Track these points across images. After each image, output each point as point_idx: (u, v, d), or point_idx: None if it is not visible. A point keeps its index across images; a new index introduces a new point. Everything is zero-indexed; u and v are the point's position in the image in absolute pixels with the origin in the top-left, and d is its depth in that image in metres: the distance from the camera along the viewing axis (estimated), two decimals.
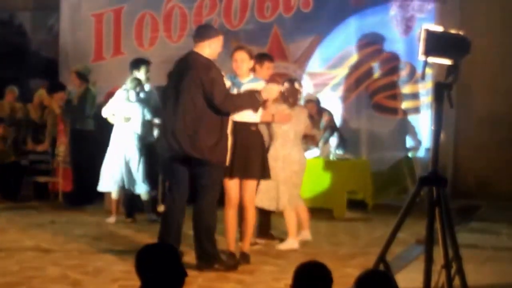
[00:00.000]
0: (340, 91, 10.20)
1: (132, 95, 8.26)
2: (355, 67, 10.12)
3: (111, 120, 8.33)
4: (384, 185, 9.42)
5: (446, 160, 9.53)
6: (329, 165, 8.88)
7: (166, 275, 3.05)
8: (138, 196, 8.36)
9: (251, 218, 6.18)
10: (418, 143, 9.77)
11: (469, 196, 9.59)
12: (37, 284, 5.40)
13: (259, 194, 6.44)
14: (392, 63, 9.99)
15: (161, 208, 8.09)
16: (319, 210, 8.30)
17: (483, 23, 9.69)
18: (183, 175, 5.89)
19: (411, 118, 9.95)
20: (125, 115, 8.19)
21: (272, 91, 6.04)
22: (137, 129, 8.24)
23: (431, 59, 4.04)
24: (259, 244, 6.87)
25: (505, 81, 9.94)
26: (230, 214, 6.09)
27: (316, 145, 8.63)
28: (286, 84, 6.86)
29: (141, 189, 8.26)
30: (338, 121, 9.87)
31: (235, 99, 5.91)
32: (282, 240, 6.96)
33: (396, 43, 9.94)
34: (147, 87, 8.55)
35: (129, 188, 8.25)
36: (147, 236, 7.14)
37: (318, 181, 8.71)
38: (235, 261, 5.97)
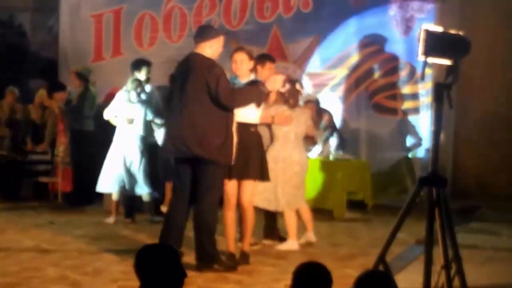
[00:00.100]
0: (339, 92, 10.19)
1: (134, 96, 8.26)
2: (355, 68, 10.12)
3: (113, 122, 8.32)
4: (384, 185, 9.42)
5: (446, 161, 9.53)
6: (329, 165, 8.88)
7: (165, 275, 3.05)
8: (138, 197, 8.36)
9: (250, 218, 6.18)
10: (419, 141, 9.76)
11: (469, 196, 9.58)
12: (37, 285, 5.40)
13: (257, 195, 6.43)
14: (391, 64, 9.98)
15: (164, 208, 8.09)
16: (319, 211, 8.29)
17: (483, 23, 9.69)
18: (187, 176, 5.89)
19: (411, 118, 9.94)
20: (128, 116, 8.18)
21: (276, 81, 6.02)
22: (139, 130, 8.24)
23: (431, 60, 4.04)
24: (259, 245, 6.87)
25: (505, 82, 9.93)
26: (229, 215, 6.09)
27: (315, 144, 8.61)
28: (287, 85, 6.84)
29: (143, 190, 8.25)
30: (337, 121, 9.87)
31: (240, 93, 5.91)
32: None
33: (396, 43, 9.93)
34: (148, 87, 8.55)
35: (130, 189, 8.24)
36: (147, 237, 7.14)
37: (318, 181, 8.70)
38: (235, 262, 5.97)
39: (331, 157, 8.94)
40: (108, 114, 8.32)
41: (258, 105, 6.08)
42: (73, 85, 9.79)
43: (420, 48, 3.97)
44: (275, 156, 6.72)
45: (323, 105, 9.54)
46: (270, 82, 6.00)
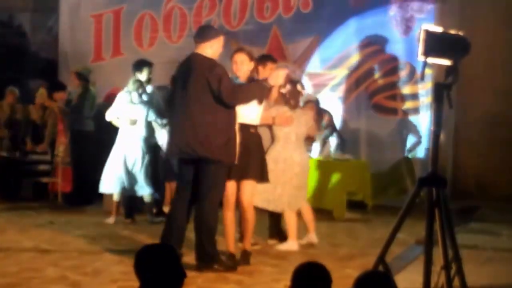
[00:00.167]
0: (339, 92, 10.19)
1: (135, 97, 8.26)
2: (354, 68, 10.12)
3: (115, 123, 8.32)
4: (384, 185, 9.41)
5: (446, 161, 9.53)
6: (328, 165, 8.88)
7: (165, 275, 3.05)
8: (138, 197, 8.36)
9: (251, 218, 6.17)
10: (419, 139, 9.75)
11: (469, 197, 9.58)
12: (36, 285, 5.39)
13: (257, 195, 6.43)
14: (391, 64, 9.98)
15: (166, 208, 8.10)
16: (318, 211, 8.28)
17: (483, 23, 9.68)
18: (190, 177, 5.90)
19: (411, 118, 9.94)
20: (131, 117, 8.18)
21: (279, 76, 6.00)
22: (142, 130, 8.24)
23: (431, 60, 4.03)
24: (259, 245, 6.86)
25: (505, 82, 9.93)
26: (229, 216, 6.09)
27: (312, 142, 8.58)
28: (288, 86, 6.84)
29: (144, 191, 8.25)
30: (337, 121, 9.86)
31: (242, 90, 5.90)
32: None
33: (395, 43, 9.93)
34: (149, 88, 8.54)
35: (132, 190, 8.24)
36: (147, 237, 7.14)
37: (318, 181, 8.70)
38: (235, 262, 5.97)
39: (331, 157, 8.93)
40: (111, 115, 8.32)
41: (261, 100, 6.07)
42: (73, 85, 9.80)
43: (420, 48, 3.96)
44: (275, 157, 6.72)
45: (323, 105, 9.54)
46: (273, 77, 5.99)
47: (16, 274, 5.67)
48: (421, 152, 9.74)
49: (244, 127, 6.05)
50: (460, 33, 4.09)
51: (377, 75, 10.07)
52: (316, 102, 9.22)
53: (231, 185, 6.05)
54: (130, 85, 8.32)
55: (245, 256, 6.13)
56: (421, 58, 4.00)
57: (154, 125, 8.40)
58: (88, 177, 9.47)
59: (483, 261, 6.16)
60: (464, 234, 7.05)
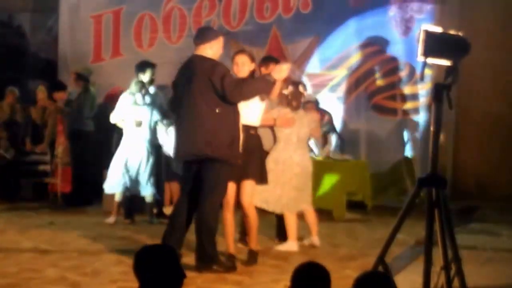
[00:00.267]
0: (339, 92, 10.19)
1: (139, 98, 8.26)
2: (354, 68, 10.12)
3: (120, 125, 8.32)
4: (384, 186, 9.41)
5: (446, 161, 9.52)
6: (328, 166, 8.87)
7: (164, 276, 3.05)
8: (138, 198, 8.36)
9: (253, 218, 6.16)
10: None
11: (469, 197, 9.57)
12: (36, 286, 5.39)
13: (256, 194, 6.42)
14: (391, 64, 9.98)
15: (168, 210, 8.10)
16: (318, 211, 8.26)
17: (483, 23, 9.68)
18: (195, 179, 5.89)
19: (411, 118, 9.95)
20: (136, 119, 8.18)
21: (282, 70, 5.97)
22: (146, 131, 8.24)
23: (430, 60, 4.03)
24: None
25: (505, 82, 9.92)
26: (228, 217, 6.09)
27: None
28: (290, 87, 6.84)
29: (147, 191, 8.25)
30: (337, 122, 9.86)
31: (247, 84, 5.88)
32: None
33: (395, 44, 9.93)
34: (152, 89, 8.53)
35: (135, 190, 8.24)
36: (146, 237, 7.14)
37: (318, 182, 8.69)
38: (234, 263, 5.97)
39: (330, 158, 8.93)
40: (115, 118, 8.32)
41: (267, 94, 6.05)
42: (73, 85, 9.80)
43: (420, 48, 3.96)
44: (276, 158, 6.72)
45: (322, 106, 9.53)
46: (276, 71, 5.96)
47: (15, 275, 5.67)
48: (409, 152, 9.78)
49: (244, 128, 6.04)
50: (460, 33, 4.09)
51: (376, 75, 10.07)
52: (316, 103, 9.22)
53: (230, 186, 6.04)
54: (133, 87, 8.32)
55: (252, 256, 6.13)
56: (420, 58, 3.99)
57: (158, 125, 8.39)
58: (88, 177, 9.48)
59: (483, 261, 6.16)
60: (464, 234, 7.05)
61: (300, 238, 6.96)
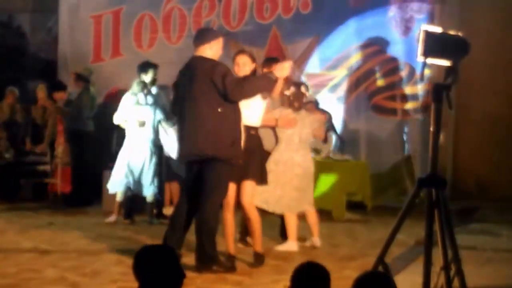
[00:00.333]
0: (338, 92, 10.19)
1: (142, 98, 8.26)
2: (354, 68, 10.11)
3: (123, 126, 8.32)
4: (383, 186, 9.41)
5: (446, 162, 9.52)
6: (328, 166, 8.87)
7: (164, 276, 3.04)
8: (138, 198, 8.36)
9: (255, 220, 6.13)
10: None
11: (469, 197, 9.57)
12: (35, 286, 5.39)
13: (256, 195, 6.42)
14: (391, 64, 9.98)
15: (168, 211, 8.10)
16: (318, 211, 8.27)
17: (482, 23, 9.68)
18: (197, 179, 5.89)
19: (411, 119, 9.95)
20: (139, 119, 8.18)
21: (284, 68, 5.95)
22: (149, 131, 8.24)
23: (430, 60, 4.03)
24: None
25: (505, 82, 9.93)
26: (228, 218, 6.07)
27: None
28: (292, 88, 6.84)
29: (149, 191, 8.25)
30: (337, 122, 9.85)
31: (249, 81, 5.87)
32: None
33: (395, 44, 9.93)
34: (154, 90, 8.53)
35: (137, 190, 8.25)
36: (146, 238, 7.14)
37: (317, 182, 8.68)
38: (233, 263, 5.96)
39: (330, 158, 8.93)
40: (118, 118, 8.32)
41: (269, 92, 6.04)
42: (73, 85, 9.80)
43: (420, 49, 3.96)
44: (277, 158, 6.72)
45: (322, 106, 9.53)
46: (279, 68, 5.95)
47: (15, 275, 5.67)
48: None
49: (245, 129, 6.04)
50: (460, 33, 4.09)
51: (376, 75, 10.07)
52: (315, 103, 9.22)
53: (231, 187, 6.04)
54: (135, 87, 8.32)
55: (258, 258, 6.10)
56: (420, 58, 3.99)
57: (161, 125, 8.38)
58: (88, 177, 9.47)
59: (483, 261, 6.16)
60: (464, 234, 7.04)
61: (301, 239, 6.95)
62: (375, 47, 10.04)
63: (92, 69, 10.09)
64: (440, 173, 4.07)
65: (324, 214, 8.54)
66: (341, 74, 10.17)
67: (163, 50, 10.70)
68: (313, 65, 10.31)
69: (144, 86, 8.33)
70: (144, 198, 8.34)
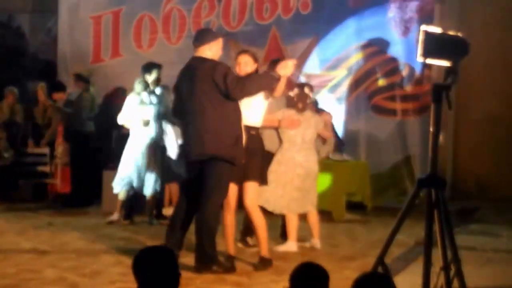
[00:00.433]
0: (338, 93, 10.18)
1: (146, 97, 8.27)
2: (353, 69, 10.11)
3: (128, 126, 8.32)
4: (383, 187, 9.40)
5: (446, 162, 9.52)
6: (328, 167, 8.86)
7: (163, 277, 3.05)
8: (139, 198, 8.36)
9: (258, 221, 6.08)
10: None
11: (469, 198, 9.57)
12: (34, 287, 5.38)
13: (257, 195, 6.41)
14: (391, 65, 9.97)
15: (167, 211, 8.09)
16: (318, 212, 8.28)
17: (482, 24, 9.68)
18: (197, 179, 5.89)
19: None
20: (144, 118, 8.19)
21: (287, 66, 5.91)
22: (153, 131, 8.24)
23: (430, 61, 4.02)
24: (257, 247, 6.84)
25: (504, 83, 9.92)
26: (229, 218, 6.06)
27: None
28: (296, 89, 6.83)
29: (150, 190, 8.25)
30: (336, 123, 9.84)
31: (250, 79, 5.85)
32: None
33: (394, 44, 9.92)
34: (158, 90, 8.52)
35: (139, 188, 8.25)
36: (145, 238, 7.13)
37: (317, 182, 8.68)
38: (233, 264, 5.96)
39: (330, 158, 8.92)
40: (122, 119, 8.33)
41: (271, 90, 6.01)
42: (73, 86, 9.80)
43: (419, 49, 3.95)
44: (279, 159, 6.72)
45: (321, 106, 9.52)
46: (281, 66, 5.91)
47: (14, 276, 5.66)
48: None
49: (245, 129, 6.03)
50: (459, 34, 4.08)
51: (376, 76, 10.06)
52: (315, 103, 9.21)
53: (231, 188, 6.03)
54: (137, 87, 8.33)
55: (263, 262, 6.03)
56: (420, 59, 3.99)
57: (165, 125, 8.38)
58: (87, 178, 9.47)
59: (483, 262, 6.15)
60: (464, 235, 7.04)
61: (301, 239, 6.95)
62: (375, 47, 10.04)
63: (93, 71, 10.09)
64: (439, 174, 4.06)
65: (324, 214, 8.53)
66: (340, 74, 10.17)
67: (163, 51, 10.71)
68: (313, 65, 10.31)
69: (146, 85, 8.34)
70: (143, 199, 8.33)
